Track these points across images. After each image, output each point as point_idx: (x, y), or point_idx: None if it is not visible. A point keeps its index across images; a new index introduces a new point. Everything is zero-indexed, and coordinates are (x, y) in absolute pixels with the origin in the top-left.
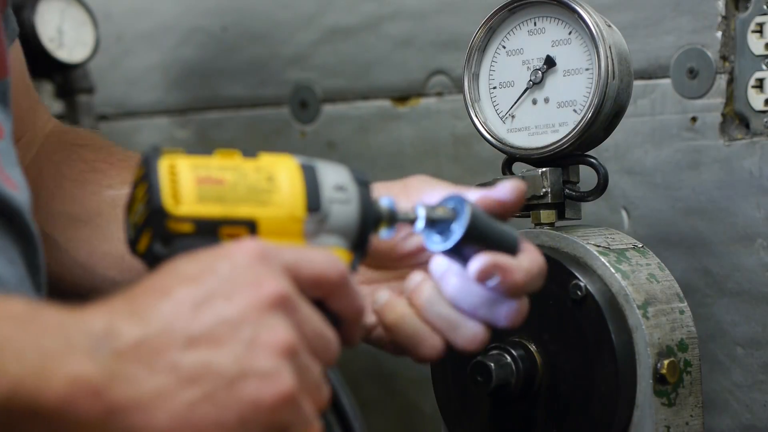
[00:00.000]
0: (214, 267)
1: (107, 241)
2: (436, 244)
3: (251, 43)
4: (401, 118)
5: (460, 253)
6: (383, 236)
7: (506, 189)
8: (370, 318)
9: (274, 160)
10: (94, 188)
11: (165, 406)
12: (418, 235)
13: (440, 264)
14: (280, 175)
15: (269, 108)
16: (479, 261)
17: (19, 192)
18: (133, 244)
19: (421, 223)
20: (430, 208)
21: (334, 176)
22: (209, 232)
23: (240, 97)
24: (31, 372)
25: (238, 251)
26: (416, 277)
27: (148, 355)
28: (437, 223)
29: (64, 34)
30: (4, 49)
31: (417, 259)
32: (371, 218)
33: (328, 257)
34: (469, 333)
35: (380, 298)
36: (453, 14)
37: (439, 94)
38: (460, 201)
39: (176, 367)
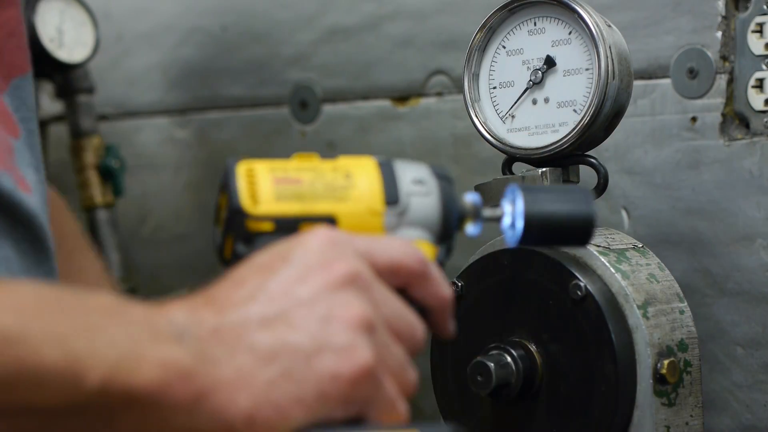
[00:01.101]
0: (286, 255)
1: None
2: (510, 238)
3: (251, 43)
4: (401, 118)
5: (534, 240)
6: (469, 232)
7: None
8: None
9: (352, 160)
10: None
11: (246, 385)
12: None
13: None
14: (356, 172)
15: (269, 108)
16: None
17: (32, 194)
18: (221, 252)
19: (508, 219)
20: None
21: (412, 171)
22: (289, 229)
23: (240, 97)
24: (125, 357)
25: (309, 238)
26: None
27: (227, 338)
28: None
29: (64, 34)
30: (24, 42)
31: None
32: (454, 212)
33: (404, 245)
34: None
35: None
36: (453, 14)
37: (439, 94)
38: (516, 191)
39: (253, 347)
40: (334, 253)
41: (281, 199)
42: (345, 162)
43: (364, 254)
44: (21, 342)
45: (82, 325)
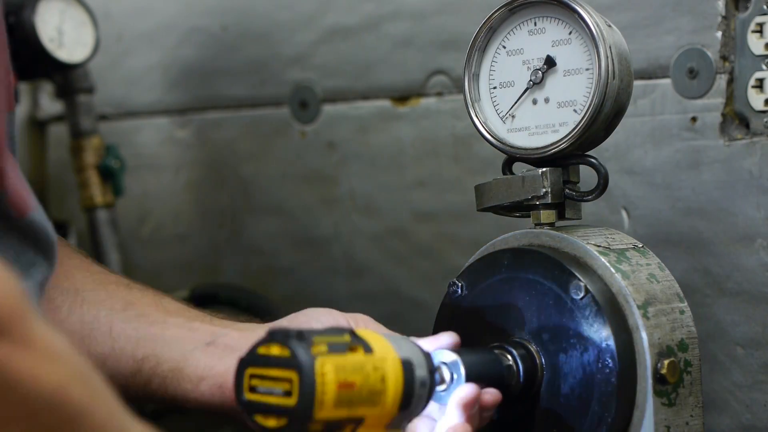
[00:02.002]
0: None
1: None
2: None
3: (251, 43)
4: (401, 118)
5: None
6: None
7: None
8: None
9: (384, 355)
10: None
11: None
12: None
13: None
14: (389, 376)
15: (269, 108)
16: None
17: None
18: (252, 411)
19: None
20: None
21: (421, 369)
22: (332, 430)
23: (240, 97)
24: None
25: None
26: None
27: None
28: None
29: (64, 34)
30: (11, 80)
31: None
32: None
33: None
34: None
35: None
36: (453, 14)
37: (439, 94)
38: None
39: None
40: None
41: (338, 405)
42: (380, 357)
43: None
44: None
45: None
